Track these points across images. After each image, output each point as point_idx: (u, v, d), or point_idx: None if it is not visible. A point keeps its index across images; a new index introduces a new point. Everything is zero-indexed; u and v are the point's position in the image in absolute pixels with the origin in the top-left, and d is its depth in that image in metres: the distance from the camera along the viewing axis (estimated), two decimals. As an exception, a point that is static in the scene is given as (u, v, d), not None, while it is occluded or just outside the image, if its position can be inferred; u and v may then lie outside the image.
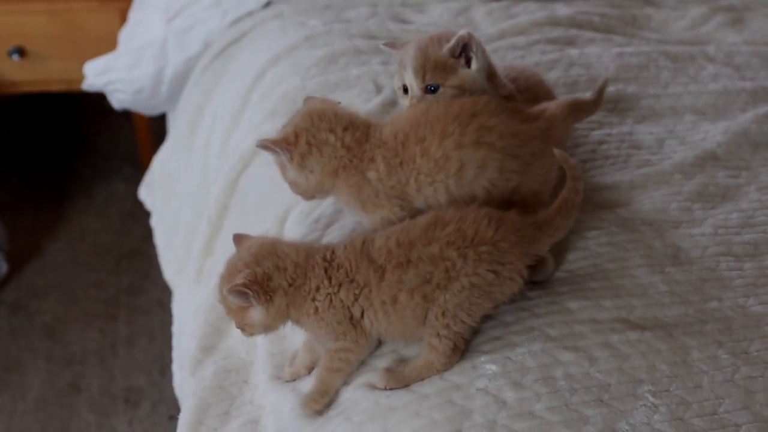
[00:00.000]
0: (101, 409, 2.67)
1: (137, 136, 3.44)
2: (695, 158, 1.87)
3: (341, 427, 1.40)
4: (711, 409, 1.37)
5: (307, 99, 1.60)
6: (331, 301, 1.41)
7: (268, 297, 1.41)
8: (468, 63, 1.58)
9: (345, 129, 1.52)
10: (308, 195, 1.57)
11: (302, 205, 1.78)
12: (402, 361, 1.47)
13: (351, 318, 1.43)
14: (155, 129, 3.46)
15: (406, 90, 1.61)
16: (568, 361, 1.42)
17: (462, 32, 1.57)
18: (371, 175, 1.51)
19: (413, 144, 1.49)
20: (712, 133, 1.96)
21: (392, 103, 1.99)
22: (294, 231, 1.75)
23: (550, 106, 1.59)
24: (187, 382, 1.73)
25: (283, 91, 2.12)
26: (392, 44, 1.67)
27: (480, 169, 1.48)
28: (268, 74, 2.22)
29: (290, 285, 1.42)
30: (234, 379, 1.69)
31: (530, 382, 1.39)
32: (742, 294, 1.56)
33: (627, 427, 1.34)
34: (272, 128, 2.02)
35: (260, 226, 1.83)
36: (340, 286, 1.41)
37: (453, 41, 1.57)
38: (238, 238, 1.51)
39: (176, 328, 2.18)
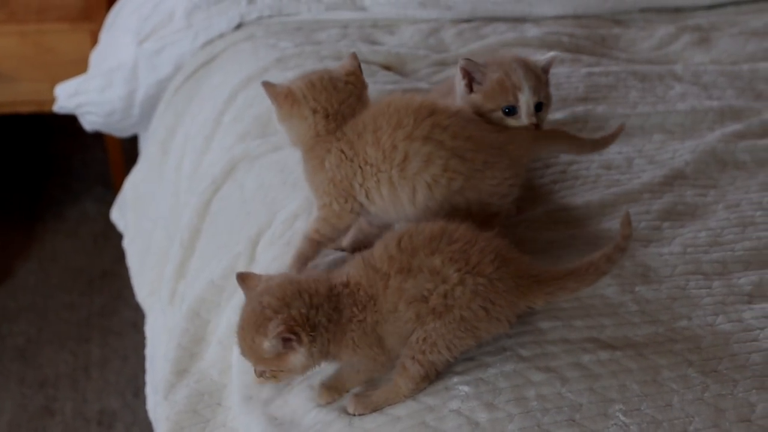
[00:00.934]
0: (74, 433, 2.67)
1: (109, 157, 3.42)
2: (664, 177, 1.89)
3: (314, 449, 1.41)
4: (681, 427, 1.39)
5: (351, 56, 1.65)
6: (363, 328, 1.39)
7: (312, 338, 1.35)
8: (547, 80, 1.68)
9: (325, 116, 1.56)
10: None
11: (274, 227, 1.79)
12: (372, 384, 1.47)
13: (379, 340, 1.41)
14: (127, 150, 3.45)
15: (506, 112, 1.62)
16: (540, 382, 1.43)
17: (553, 53, 1.69)
18: (326, 164, 1.55)
19: (369, 133, 1.52)
20: (681, 152, 1.98)
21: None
22: (266, 253, 1.75)
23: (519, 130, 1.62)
24: (160, 405, 1.73)
25: (255, 113, 2.12)
26: (271, 85, 1.59)
27: (425, 163, 1.49)
28: (240, 96, 2.22)
29: (329, 321, 1.37)
30: (207, 402, 1.69)
31: (503, 403, 1.40)
32: (711, 312, 1.58)
33: (599, 447, 1.35)
34: (244, 151, 2.03)
35: (232, 248, 1.84)
36: (365, 308, 1.38)
37: (546, 60, 1.68)
38: (244, 278, 1.45)
39: (149, 351, 2.18)
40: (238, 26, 2.49)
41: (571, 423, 1.38)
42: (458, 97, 1.67)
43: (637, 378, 1.45)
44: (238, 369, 1.64)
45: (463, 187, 1.52)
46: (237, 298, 1.75)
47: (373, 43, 2.43)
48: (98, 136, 3.44)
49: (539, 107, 1.63)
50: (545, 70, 1.67)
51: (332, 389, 1.46)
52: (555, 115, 2.03)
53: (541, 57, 1.70)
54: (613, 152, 1.96)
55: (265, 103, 2.12)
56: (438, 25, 2.51)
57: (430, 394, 1.41)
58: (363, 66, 2.18)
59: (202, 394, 1.70)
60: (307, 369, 1.39)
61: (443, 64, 2.33)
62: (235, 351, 1.68)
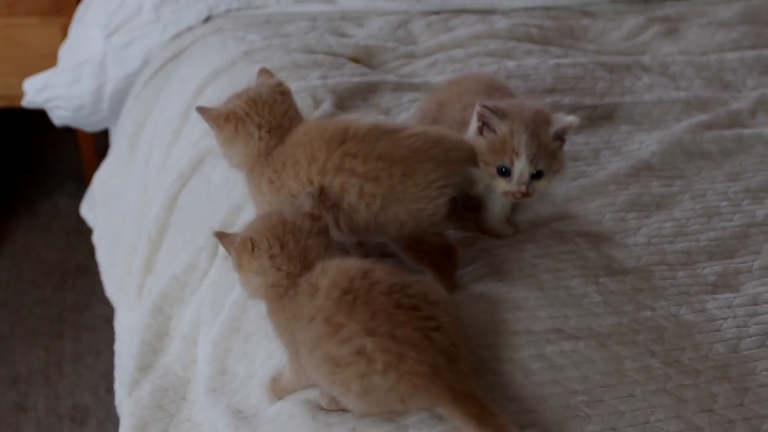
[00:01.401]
0: (47, 429, 2.65)
1: (81, 152, 3.40)
2: (630, 168, 1.89)
3: (277, 443, 1.40)
4: (643, 418, 1.39)
5: (263, 72, 1.65)
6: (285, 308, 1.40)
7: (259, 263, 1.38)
8: (561, 143, 1.60)
9: (269, 131, 1.55)
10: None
11: (238, 225, 1.78)
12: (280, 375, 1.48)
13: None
14: (100, 144, 3.43)
15: (501, 171, 1.57)
16: (502, 373, 1.43)
17: (572, 119, 1.59)
18: (262, 188, 1.56)
19: (289, 167, 1.52)
20: (647, 143, 1.99)
21: (330, 117, 2.00)
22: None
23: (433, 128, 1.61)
24: (124, 401, 1.72)
25: (222, 106, 2.11)
26: (207, 109, 1.56)
27: (340, 194, 1.50)
28: (208, 90, 2.21)
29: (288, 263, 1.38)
30: (171, 397, 1.68)
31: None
32: (675, 303, 1.58)
33: (561, 439, 1.35)
34: (211, 145, 2.01)
35: (195, 243, 1.83)
36: (293, 300, 1.38)
37: (561, 126, 1.57)
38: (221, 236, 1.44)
39: (118, 347, 2.17)
40: (207, 19, 2.48)
41: (533, 415, 1.37)
42: (469, 133, 1.61)
43: (600, 369, 1.45)
44: (202, 362, 1.63)
45: (384, 205, 1.51)
46: (200, 293, 1.75)
47: (342, 35, 2.42)
48: (70, 131, 3.42)
49: (538, 174, 1.56)
50: (559, 135, 1.58)
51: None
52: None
53: (561, 119, 1.59)
54: (580, 143, 1.96)
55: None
56: (407, 17, 2.51)
57: (393, 389, 1.41)
58: (331, 59, 2.19)
59: (167, 389, 1.69)
60: (257, 290, 1.39)
61: (411, 56, 2.33)
62: (201, 345, 1.68)
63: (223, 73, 2.22)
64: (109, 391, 2.75)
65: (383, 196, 1.50)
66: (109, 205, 2.53)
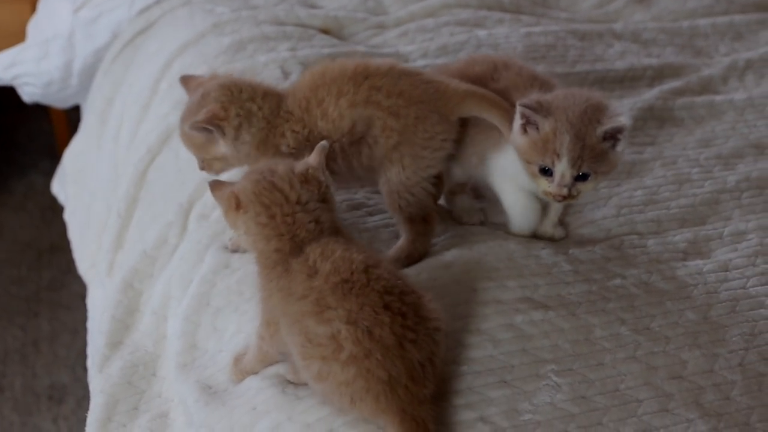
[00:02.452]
0: (25, 408, 2.63)
1: (55, 129, 3.37)
2: (601, 136, 1.88)
3: (246, 417, 1.39)
4: (613, 386, 1.38)
5: (213, 76, 1.63)
6: None
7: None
8: (614, 144, 1.50)
9: (263, 98, 1.55)
10: (235, 165, 1.61)
11: (206, 197, 1.77)
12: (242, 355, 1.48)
13: None
14: (73, 121, 3.39)
15: (544, 171, 1.50)
16: (471, 344, 1.42)
17: (623, 118, 1.47)
18: (284, 149, 1.55)
19: (314, 107, 1.54)
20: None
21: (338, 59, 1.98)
22: (201, 228, 1.73)
23: (454, 82, 1.59)
24: (95, 379, 1.71)
25: (191, 80, 2.09)
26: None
27: (367, 126, 1.54)
28: (176, 63, 2.19)
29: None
30: (142, 374, 1.67)
31: (433, 371, 1.38)
32: (646, 270, 1.58)
33: (530, 407, 1.34)
34: (178, 118, 1.99)
35: (164, 217, 1.81)
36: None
37: (610, 126, 1.47)
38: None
39: (90, 324, 2.15)
40: (176, -9, 2.45)
41: (502, 384, 1.37)
42: (513, 131, 1.54)
43: (569, 337, 1.44)
44: (172, 338, 1.62)
45: (399, 142, 1.54)
46: (170, 269, 1.74)
47: (312, 6, 2.40)
48: (43, 108, 3.39)
49: (583, 176, 1.49)
50: (608, 135, 1.48)
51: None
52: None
53: (613, 117, 1.48)
54: (551, 112, 1.95)
55: (200, 70, 2.09)
56: (377, -13, 2.49)
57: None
58: (300, 30, 2.17)
59: (137, 365, 1.68)
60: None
61: (382, 27, 2.31)
62: (170, 320, 1.67)
63: (192, 46, 2.20)
64: (86, 369, 2.73)
65: (399, 132, 1.54)
66: (79, 182, 2.50)
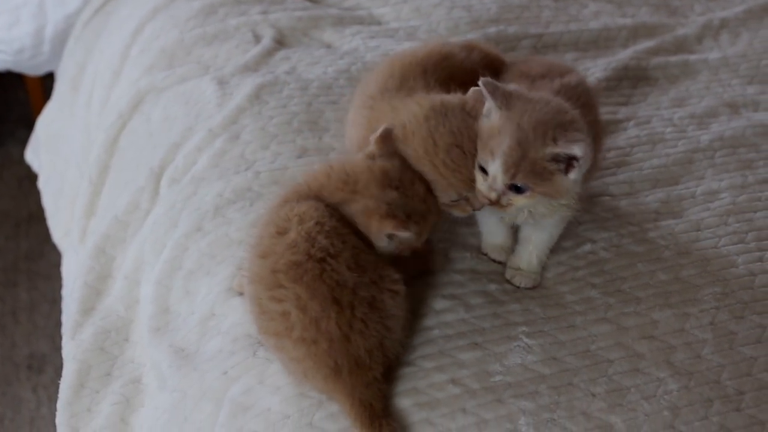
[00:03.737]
0: (4, 378, 2.62)
1: (30, 98, 3.34)
2: (575, 97, 1.86)
3: (217, 382, 1.40)
4: (584, 346, 1.39)
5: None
6: None
7: None
8: (567, 170, 1.35)
9: None
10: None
11: (177, 161, 1.77)
12: None
13: None
14: (49, 89, 3.35)
15: (483, 168, 1.37)
16: (443, 309, 1.42)
17: (578, 148, 1.31)
18: None
19: None
20: (593, 70, 1.97)
21: (270, 53, 1.96)
22: (173, 191, 1.73)
23: None
24: (67, 346, 1.70)
25: (161, 45, 2.07)
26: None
27: None
28: (147, 28, 2.17)
29: None
30: (114, 339, 1.67)
31: (405, 335, 1.39)
32: (617, 233, 1.58)
33: (501, 368, 1.35)
34: (150, 83, 1.98)
35: (137, 182, 1.80)
36: None
37: (559, 150, 1.32)
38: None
39: (65, 292, 2.14)
40: (147, -45, 2.42)
41: (473, 346, 1.37)
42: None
43: (540, 302, 1.45)
44: (145, 302, 1.61)
45: None
46: (142, 233, 1.73)
47: (284, -32, 2.37)
48: (18, 77, 3.35)
49: (520, 189, 1.35)
50: (556, 158, 1.33)
51: None
52: (467, 36, 1.99)
53: (570, 142, 1.32)
54: (525, 72, 1.93)
55: (171, 35, 2.07)
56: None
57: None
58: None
59: (109, 331, 1.67)
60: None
61: (354, -12, 2.28)
62: (143, 285, 1.66)
63: (162, 10, 2.17)
64: (65, 338, 2.73)
65: None
66: (53, 150, 2.49)
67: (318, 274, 1.27)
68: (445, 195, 1.39)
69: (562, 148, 1.31)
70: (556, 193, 1.36)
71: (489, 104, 1.36)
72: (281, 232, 1.31)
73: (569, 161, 1.33)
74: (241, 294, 1.47)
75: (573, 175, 1.34)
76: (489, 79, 1.36)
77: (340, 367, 1.27)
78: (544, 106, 1.35)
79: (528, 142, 1.32)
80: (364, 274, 1.30)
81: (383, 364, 1.30)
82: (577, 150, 1.31)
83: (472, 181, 1.38)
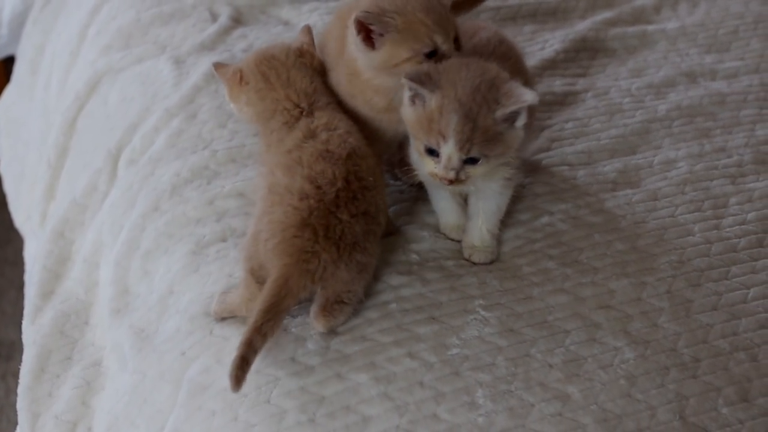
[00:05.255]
0: (-28, 366, 2.62)
1: (-8, 82, 3.31)
2: (533, 69, 1.87)
3: (176, 363, 1.40)
4: (541, 317, 1.39)
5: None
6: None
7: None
8: (513, 120, 1.36)
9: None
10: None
11: (134, 142, 1.76)
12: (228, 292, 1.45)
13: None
14: (11, 75, 3.34)
15: (431, 152, 1.36)
16: (400, 285, 1.42)
17: (528, 97, 1.32)
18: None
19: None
20: (551, 42, 1.97)
21: (227, 31, 1.95)
22: (130, 172, 1.72)
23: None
24: (27, 330, 1.69)
25: (118, 25, 2.06)
26: (222, 65, 1.52)
27: None
28: (104, 8, 2.15)
29: None
30: (74, 322, 1.66)
31: (362, 311, 1.39)
32: (574, 204, 1.57)
33: (458, 342, 1.35)
34: (107, 64, 1.96)
35: (95, 164, 1.79)
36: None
37: (509, 109, 1.33)
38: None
39: (27, 277, 2.13)
40: (104, -64, 2.39)
41: (430, 320, 1.37)
42: (403, 104, 1.40)
43: (497, 275, 1.45)
44: (104, 284, 1.61)
45: None
46: (101, 216, 1.72)
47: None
48: (-21, 62, 3.33)
49: (473, 160, 1.35)
50: (506, 118, 1.34)
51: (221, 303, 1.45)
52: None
53: (514, 96, 1.33)
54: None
55: (128, 15, 2.06)
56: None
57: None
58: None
59: (69, 314, 1.66)
60: (249, 118, 1.50)
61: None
62: (102, 267, 1.65)
63: (120, -11, 2.16)
64: (34, 324, 2.71)
65: None
66: (13, 134, 2.47)
67: (342, 158, 1.35)
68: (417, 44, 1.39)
69: (513, 104, 1.32)
70: (508, 149, 1.37)
71: (412, 93, 1.36)
72: (308, 136, 1.39)
73: (513, 118, 1.34)
74: (221, 319, 1.44)
75: (520, 121, 1.35)
76: (408, 72, 1.35)
77: (310, 236, 1.30)
78: (468, 72, 1.34)
79: (474, 113, 1.32)
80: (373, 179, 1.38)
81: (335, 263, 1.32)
82: (528, 97, 1.32)
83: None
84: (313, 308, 1.36)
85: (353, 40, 1.41)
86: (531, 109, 1.39)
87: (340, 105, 1.48)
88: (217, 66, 1.52)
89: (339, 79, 1.50)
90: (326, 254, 1.30)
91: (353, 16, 1.38)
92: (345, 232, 1.32)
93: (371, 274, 1.40)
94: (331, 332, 1.36)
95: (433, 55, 1.39)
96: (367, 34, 1.39)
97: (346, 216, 1.32)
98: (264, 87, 1.46)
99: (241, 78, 1.47)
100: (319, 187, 1.32)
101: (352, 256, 1.33)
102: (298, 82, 1.46)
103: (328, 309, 1.36)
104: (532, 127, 1.53)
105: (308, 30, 1.54)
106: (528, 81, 1.52)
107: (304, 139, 1.38)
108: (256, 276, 1.35)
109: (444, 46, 1.40)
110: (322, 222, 1.30)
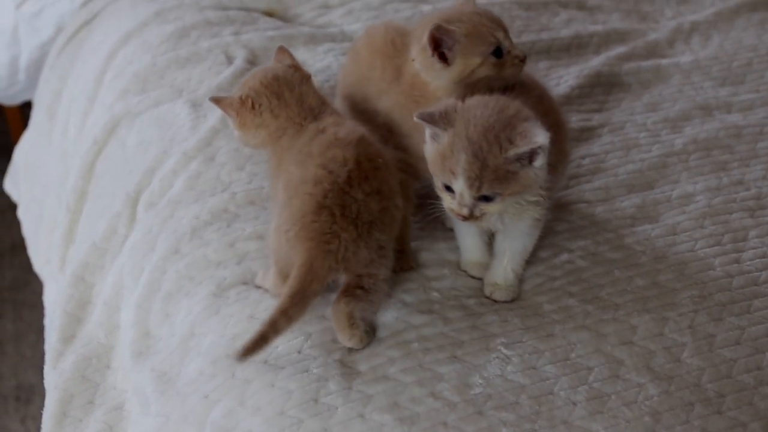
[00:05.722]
0: (-9, 410, 2.62)
1: (9, 128, 3.34)
2: (549, 105, 1.87)
3: (199, 406, 1.39)
4: (563, 355, 1.38)
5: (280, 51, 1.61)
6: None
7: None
8: (531, 160, 1.34)
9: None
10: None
11: (153, 185, 1.77)
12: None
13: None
14: (28, 118, 3.36)
15: (448, 188, 1.37)
16: (421, 324, 1.42)
17: (539, 137, 1.30)
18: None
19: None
20: (566, 78, 1.98)
21: (243, 73, 1.96)
22: (150, 215, 1.73)
23: None
24: (49, 375, 1.69)
25: (135, 69, 2.07)
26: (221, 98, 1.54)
27: None
28: (120, 54, 2.17)
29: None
30: (96, 366, 1.66)
31: (383, 350, 1.39)
32: (593, 241, 1.57)
33: (481, 381, 1.34)
34: (124, 108, 1.98)
35: (114, 208, 1.80)
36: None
37: (521, 149, 1.31)
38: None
39: (47, 321, 2.13)
40: (118, -19, 2.42)
41: (452, 359, 1.37)
42: (426, 74, 1.48)
43: (518, 313, 1.45)
44: (126, 327, 1.61)
45: None
46: (120, 259, 1.72)
47: (256, -11, 2.38)
48: (-2, 107, 3.36)
49: (486, 198, 1.35)
50: (518, 158, 1.32)
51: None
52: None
53: (526, 138, 1.31)
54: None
55: (144, 59, 2.08)
56: (322, -34, 2.47)
57: (312, 347, 1.40)
58: (244, 14, 2.16)
59: (90, 358, 1.66)
60: (260, 142, 1.52)
61: (326, 6, 2.29)
62: (123, 310, 1.66)
63: (135, 35, 2.18)
64: (53, 367, 2.72)
65: None
66: (31, 178, 2.48)
67: (352, 142, 1.41)
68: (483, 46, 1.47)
69: (524, 146, 1.31)
70: (526, 188, 1.36)
71: (431, 131, 1.37)
72: (318, 133, 1.45)
73: (532, 151, 1.32)
74: (259, 287, 1.51)
75: (538, 161, 1.33)
76: (421, 111, 1.37)
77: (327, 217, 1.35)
78: (485, 110, 1.34)
79: (483, 152, 1.31)
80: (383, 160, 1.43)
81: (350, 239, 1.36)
82: (539, 139, 1.30)
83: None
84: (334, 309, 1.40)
85: (425, 61, 1.49)
86: (561, 150, 1.42)
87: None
88: (217, 100, 1.53)
89: (394, 104, 1.56)
90: (345, 233, 1.35)
91: (427, 33, 1.45)
92: (361, 210, 1.36)
93: (391, 260, 1.43)
94: (356, 374, 1.35)
95: (500, 54, 1.48)
96: (440, 51, 1.46)
97: (360, 195, 1.36)
98: (278, 105, 1.49)
99: (253, 104, 1.49)
100: (331, 172, 1.37)
101: (371, 234, 1.37)
102: (309, 96, 1.51)
103: (349, 292, 1.39)
104: (562, 166, 1.54)
105: (284, 49, 1.59)
106: (556, 120, 1.51)
107: (314, 136, 1.44)
108: (286, 277, 1.39)
109: (506, 42, 1.49)
110: (338, 203, 1.35)
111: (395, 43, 1.57)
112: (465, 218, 1.36)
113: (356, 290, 1.38)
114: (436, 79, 1.49)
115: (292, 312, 1.31)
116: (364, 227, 1.36)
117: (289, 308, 1.31)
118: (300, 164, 1.40)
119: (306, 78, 1.54)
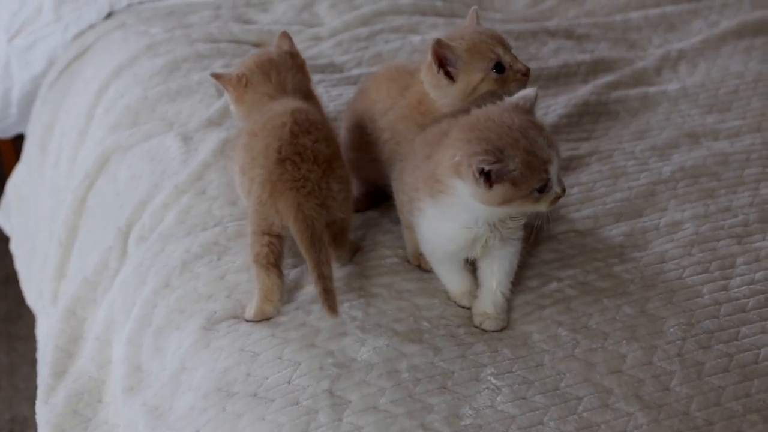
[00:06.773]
0: (-15, 443, 2.61)
1: (2, 160, 3.34)
2: (539, 134, 1.88)
3: (193, 440, 1.39)
4: (553, 385, 1.38)
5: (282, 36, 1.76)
6: None
7: None
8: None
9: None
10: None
11: (144, 219, 1.77)
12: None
13: None
14: (21, 152, 3.37)
15: (540, 190, 1.35)
16: (412, 353, 1.42)
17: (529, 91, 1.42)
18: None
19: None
20: (554, 107, 1.99)
21: (233, 106, 1.98)
22: (141, 249, 1.73)
23: None
24: (40, 410, 1.69)
25: (126, 103, 2.09)
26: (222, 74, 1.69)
27: None
28: (111, 87, 2.18)
29: None
30: (87, 401, 1.66)
31: (374, 379, 1.39)
32: (582, 270, 1.58)
33: (471, 412, 1.34)
34: (115, 142, 1.99)
35: (105, 242, 1.80)
36: None
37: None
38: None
39: (40, 355, 2.13)
40: (109, 15, 2.44)
41: (443, 390, 1.37)
42: (476, 193, 1.37)
43: (507, 343, 1.45)
44: (117, 362, 1.61)
45: None
46: (112, 293, 1.73)
47: (246, 22, 2.39)
48: (-10, 140, 3.36)
49: None
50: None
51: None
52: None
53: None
54: (485, 113, 1.95)
55: (135, 93, 2.08)
56: (312, -1, 2.49)
57: (301, 376, 1.40)
58: (234, 46, 2.17)
59: (82, 393, 1.67)
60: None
61: (317, 38, 2.31)
62: (114, 345, 1.66)
63: (126, 69, 2.19)
64: (45, 400, 2.71)
65: None
66: (23, 212, 2.49)
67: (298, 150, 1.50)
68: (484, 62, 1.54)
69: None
70: None
71: (500, 167, 1.33)
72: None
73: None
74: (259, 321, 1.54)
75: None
76: (478, 166, 1.32)
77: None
78: (508, 118, 1.37)
79: (537, 136, 1.37)
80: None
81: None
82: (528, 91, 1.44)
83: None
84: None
85: (432, 80, 1.56)
86: None
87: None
88: (218, 75, 1.68)
89: (398, 117, 1.63)
90: (312, 174, 1.47)
91: (430, 50, 1.53)
92: (316, 152, 1.49)
93: (352, 196, 1.58)
94: (346, 404, 1.35)
95: (501, 69, 1.54)
96: (445, 69, 1.54)
97: (308, 142, 1.49)
98: (261, 83, 1.64)
99: (246, 81, 1.64)
100: (274, 131, 1.50)
101: (334, 171, 1.50)
102: (292, 81, 1.66)
103: (339, 241, 1.55)
104: None
105: (286, 34, 1.74)
106: None
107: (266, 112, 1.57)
108: (273, 231, 1.50)
109: (506, 57, 1.55)
110: (293, 151, 1.47)
111: (400, 71, 1.67)
112: (564, 191, 1.38)
113: (340, 236, 1.54)
114: (442, 97, 1.56)
115: (323, 255, 1.44)
116: (325, 165, 1.49)
117: (319, 254, 1.43)
118: (252, 137, 1.54)
119: (299, 65, 1.70)
